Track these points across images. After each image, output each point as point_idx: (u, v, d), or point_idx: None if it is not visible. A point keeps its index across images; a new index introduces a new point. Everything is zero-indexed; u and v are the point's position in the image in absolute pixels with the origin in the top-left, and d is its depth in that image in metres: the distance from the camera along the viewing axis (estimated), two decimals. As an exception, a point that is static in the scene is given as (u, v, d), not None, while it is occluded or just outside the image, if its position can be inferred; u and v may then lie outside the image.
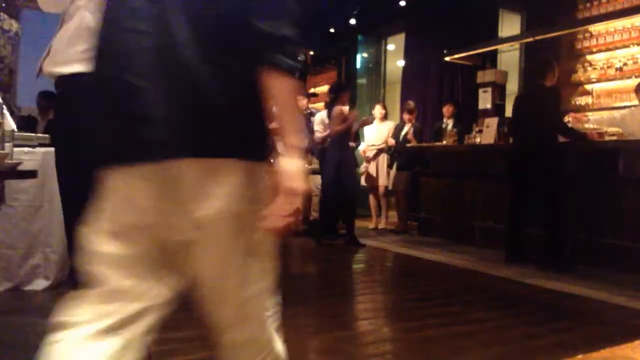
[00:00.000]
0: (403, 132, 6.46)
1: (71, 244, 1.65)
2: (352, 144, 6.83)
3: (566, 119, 4.76)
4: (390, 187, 6.46)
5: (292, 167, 0.99)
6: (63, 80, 1.58)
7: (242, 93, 1.00)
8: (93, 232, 1.03)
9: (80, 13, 1.57)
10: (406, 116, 6.55)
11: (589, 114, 6.00)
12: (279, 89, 0.98)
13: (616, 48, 6.32)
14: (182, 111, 0.95)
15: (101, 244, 1.01)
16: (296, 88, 1.00)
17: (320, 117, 5.69)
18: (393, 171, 6.43)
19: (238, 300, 1.07)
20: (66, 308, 1.05)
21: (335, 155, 5.26)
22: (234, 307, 1.08)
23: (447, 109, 6.53)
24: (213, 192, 0.96)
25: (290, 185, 0.98)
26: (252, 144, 1.03)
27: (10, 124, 3.59)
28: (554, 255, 4.21)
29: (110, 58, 1.02)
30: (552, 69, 4.43)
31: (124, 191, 1.00)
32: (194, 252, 1.01)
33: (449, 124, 6.45)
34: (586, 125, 4.80)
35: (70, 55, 1.57)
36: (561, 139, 4.51)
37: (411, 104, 6.66)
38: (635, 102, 4.87)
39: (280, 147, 1.02)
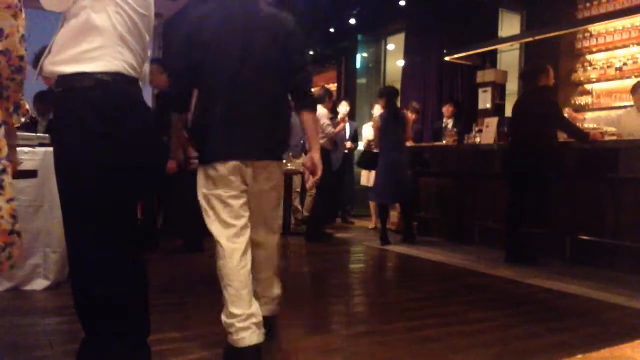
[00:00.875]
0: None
1: (71, 243, 1.65)
2: (350, 145, 6.86)
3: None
4: None
5: (317, 157, 2.21)
6: (65, 80, 1.58)
7: (284, 134, 2.23)
8: (210, 193, 2.10)
9: (85, 13, 1.57)
10: (411, 116, 6.51)
11: (589, 114, 6.01)
12: (312, 120, 2.22)
13: (616, 48, 6.32)
14: (266, 138, 2.10)
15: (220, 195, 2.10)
16: (316, 118, 2.31)
17: (322, 112, 5.61)
18: None
19: (270, 215, 2.24)
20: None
21: (392, 156, 5.40)
22: (268, 219, 2.23)
23: (447, 109, 6.53)
24: (273, 177, 2.16)
25: (318, 165, 2.22)
26: (283, 154, 2.29)
27: None
28: (513, 250, 4.39)
29: (225, 107, 2.05)
30: (545, 71, 4.42)
31: (226, 172, 2.06)
32: (257, 197, 2.16)
33: (449, 123, 6.45)
34: (585, 125, 4.81)
35: (73, 55, 1.57)
36: (561, 139, 4.52)
37: (417, 104, 6.66)
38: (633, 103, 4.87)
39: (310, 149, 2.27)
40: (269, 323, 2.20)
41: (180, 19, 1.87)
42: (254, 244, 2.16)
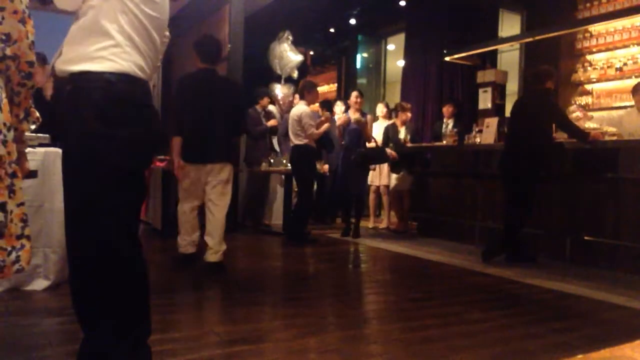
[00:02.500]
0: (401, 135, 6.42)
1: (71, 242, 1.65)
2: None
3: (574, 111, 4.79)
4: (398, 188, 6.41)
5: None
6: (73, 78, 1.58)
7: (232, 143, 4.10)
8: (185, 180, 3.89)
9: (93, 12, 1.57)
10: (404, 116, 6.48)
11: (589, 114, 6.02)
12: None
13: (616, 48, 6.33)
14: (218, 147, 3.82)
15: (186, 183, 3.90)
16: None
17: (309, 112, 5.51)
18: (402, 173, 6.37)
19: (221, 197, 3.85)
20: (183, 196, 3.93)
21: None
22: (219, 198, 3.85)
23: (446, 109, 6.52)
24: (223, 173, 3.83)
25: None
26: (232, 157, 4.01)
27: None
28: (513, 250, 4.40)
29: (195, 128, 3.83)
30: (552, 76, 4.42)
31: (193, 169, 3.82)
32: (211, 185, 3.83)
33: (449, 124, 6.44)
34: (587, 124, 4.80)
35: (82, 54, 1.57)
36: (561, 139, 4.52)
37: (406, 103, 6.64)
38: (633, 103, 4.88)
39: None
40: (218, 266, 3.82)
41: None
42: (210, 213, 3.82)
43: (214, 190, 3.81)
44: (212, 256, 3.79)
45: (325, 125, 5.61)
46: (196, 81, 3.93)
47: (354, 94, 5.99)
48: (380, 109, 6.91)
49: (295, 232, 5.49)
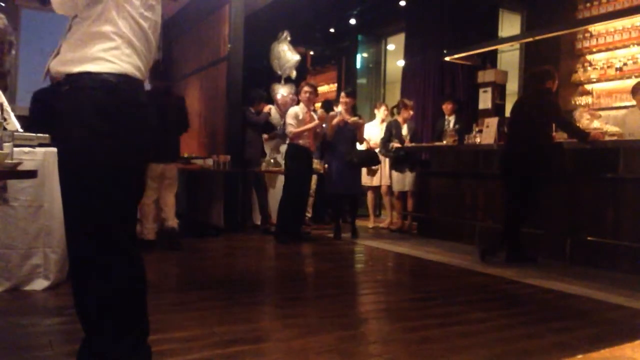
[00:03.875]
0: (404, 132, 6.42)
1: (71, 242, 1.65)
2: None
3: (582, 113, 4.80)
4: (403, 188, 6.40)
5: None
6: (72, 79, 1.59)
7: (177, 153, 5.23)
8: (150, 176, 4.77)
9: (93, 16, 1.59)
10: (407, 113, 6.46)
11: (597, 112, 6.02)
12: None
13: (616, 48, 6.33)
14: (170, 148, 4.96)
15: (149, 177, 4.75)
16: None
17: (295, 111, 5.56)
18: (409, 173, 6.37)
19: (173, 190, 5.04)
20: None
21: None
22: (172, 192, 5.03)
23: (446, 107, 6.50)
24: (174, 171, 5.03)
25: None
26: (177, 160, 5.21)
27: (15, 124, 3.58)
28: (512, 250, 4.39)
29: (158, 140, 4.41)
30: (553, 77, 4.42)
31: (156, 167, 4.79)
32: (165, 178, 4.93)
33: (450, 121, 6.43)
34: (594, 124, 4.80)
35: (81, 56, 1.58)
36: (561, 139, 4.52)
37: (408, 101, 6.62)
38: (634, 102, 4.88)
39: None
40: (173, 232, 4.86)
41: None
42: (163, 202, 4.90)
43: (165, 183, 4.90)
44: (173, 222, 4.94)
45: (307, 126, 5.53)
46: (153, 96, 4.64)
47: (342, 94, 6.01)
48: (383, 111, 6.92)
49: (289, 231, 5.50)
